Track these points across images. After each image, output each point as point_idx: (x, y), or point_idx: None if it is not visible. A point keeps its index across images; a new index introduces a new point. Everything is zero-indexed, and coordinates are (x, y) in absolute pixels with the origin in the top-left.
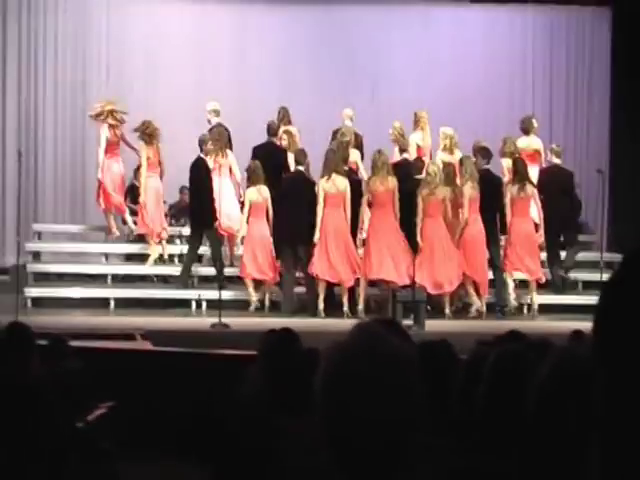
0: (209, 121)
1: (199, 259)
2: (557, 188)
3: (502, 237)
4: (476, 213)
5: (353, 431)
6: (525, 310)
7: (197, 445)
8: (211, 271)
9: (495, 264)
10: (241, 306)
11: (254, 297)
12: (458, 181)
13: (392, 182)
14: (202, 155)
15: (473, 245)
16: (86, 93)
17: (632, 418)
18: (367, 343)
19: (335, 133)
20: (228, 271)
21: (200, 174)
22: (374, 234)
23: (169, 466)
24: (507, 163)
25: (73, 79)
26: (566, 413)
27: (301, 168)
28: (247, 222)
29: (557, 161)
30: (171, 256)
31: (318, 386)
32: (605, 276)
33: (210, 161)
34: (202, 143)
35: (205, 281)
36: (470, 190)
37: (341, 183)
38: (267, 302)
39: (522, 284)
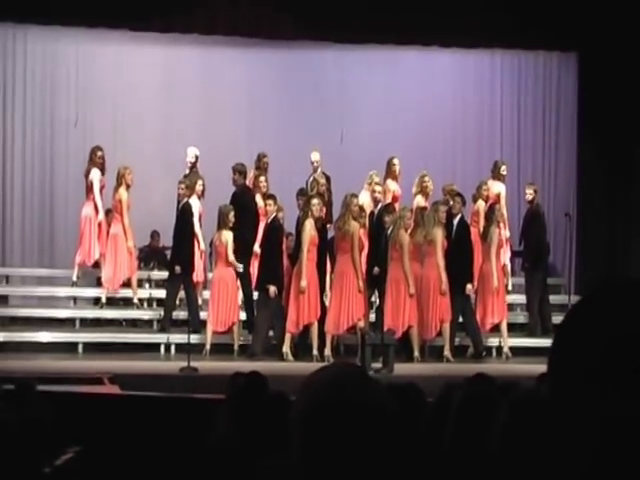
0: (193, 165)
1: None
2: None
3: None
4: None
5: (331, 474)
6: (494, 353)
7: None
8: (179, 315)
9: (464, 310)
10: (211, 350)
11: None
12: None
13: (354, 227)
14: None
15: (437, 289)
16: (54, 138)
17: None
18: (342, 390)
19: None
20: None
21: (190, 219)
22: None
23: None
24: (481, 206)
25: (41, 124)
26: (527, 451)
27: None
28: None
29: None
30: (140, 300)
31: (296, 427)
32: None
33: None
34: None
35: (174, 325)
36: (441, 235)
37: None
38: (236, 345)
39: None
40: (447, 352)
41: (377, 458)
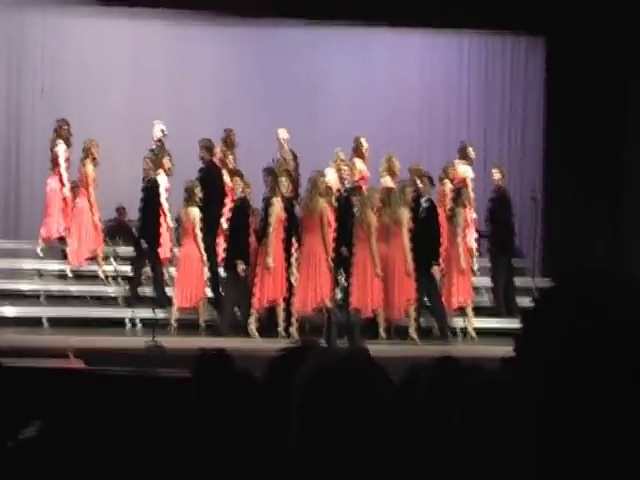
0: (159, 140)
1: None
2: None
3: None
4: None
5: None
6: (459, 334)
7: (128, 469)
8: (146, 291)
9: (429, 291)
10: (176, 326)
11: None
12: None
13: (321, 204)
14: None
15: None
16: (20, 110)
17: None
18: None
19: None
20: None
21: (156, 194)
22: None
23: None
24: (448, 188)
25: (6, 95)
26: (488, 433)
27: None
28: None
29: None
30: (106, 275)
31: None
32: None
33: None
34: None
35: (140, 301)
36: (407, 216)
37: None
38: (201, 322)
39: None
40: (412, 332)
41: (373, 446)
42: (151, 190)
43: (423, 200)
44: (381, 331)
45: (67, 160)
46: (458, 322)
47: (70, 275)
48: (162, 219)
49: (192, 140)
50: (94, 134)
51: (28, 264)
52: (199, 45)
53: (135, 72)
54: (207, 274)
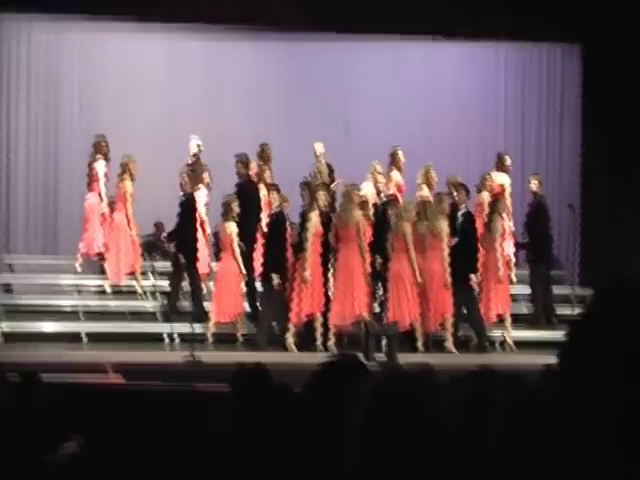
0: (195, 155)
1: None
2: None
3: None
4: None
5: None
6: (497, 345)
7: None
8: (184, 305)
9: (468, 303)
10: (214, 340)
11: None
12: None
13: (357, 215)
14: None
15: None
16: (58, 128)
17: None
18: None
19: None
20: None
21: (193, 209)
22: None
23: None
24: (485, 198)
25: (45, 114)
26: (525, 444)
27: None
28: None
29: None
30: (144, 290)
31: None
32: (577, 311)
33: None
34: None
35: (178, 316)
36: (446, 228)
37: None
38: (239, 336)
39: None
40: (450, 345)
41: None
42: (188, 205)
43: (460, 211)
44: (419, 344)
45: (105, 176)
46: (497, 333)
47: (109, 291)
48: (201, 234)
49: (228, 154)
50: (131, 150)
51: (67, 280)
52: (234, 59)
53: (171, 87)
54: (244, 288)
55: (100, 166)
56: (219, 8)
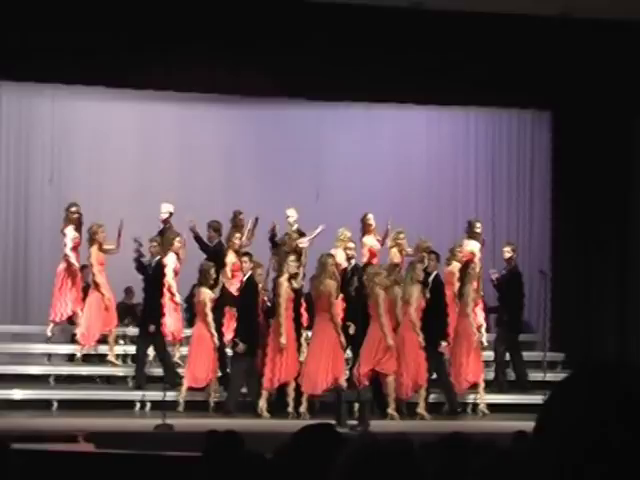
0: (165, 221)
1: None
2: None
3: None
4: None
5: None
6: (470, 409)
7: None
8: (155, 371)
9: (438, 368)
10: (185, 406)
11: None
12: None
13: (331, 286)
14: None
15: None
16: (29, 195)
17: None
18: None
19: (272, 237)
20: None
21: (161, 276)
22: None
23: None
24: (455, 268)
25: (16, 179)
26: None
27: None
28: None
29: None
30: (117, 356)
31: None
32: (548, 375)
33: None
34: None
35: (149, 381)
36: (417, 294)
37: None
38: (211, 402)
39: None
40: (421, 410)
41: None
42: (157, 271)
43: (431, 277)
44: (390, 410)
45: (77, 242)
46: (469, 397)
47: (79, 356)
48: (169, 299)
49: (202, 220)
50: (104, 216)
51: (38, 347)
52: (207, 125)
53: (144, 153)
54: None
55: (69, 235)
56: (191, 76)
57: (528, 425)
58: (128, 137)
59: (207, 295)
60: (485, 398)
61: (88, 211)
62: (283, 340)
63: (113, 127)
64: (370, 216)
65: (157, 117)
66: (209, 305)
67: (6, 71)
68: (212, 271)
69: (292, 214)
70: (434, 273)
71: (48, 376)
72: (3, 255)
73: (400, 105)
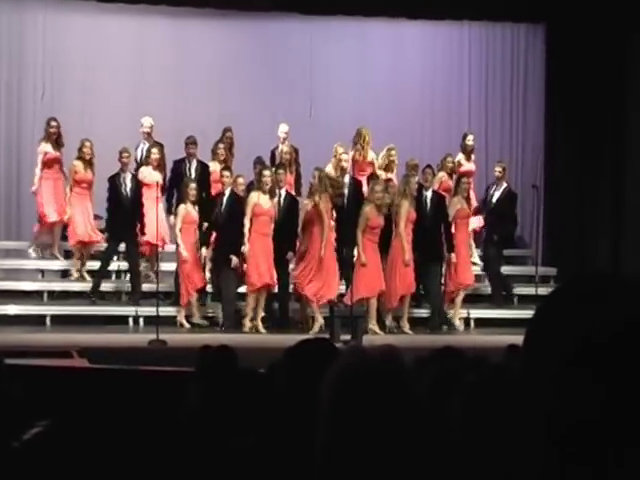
0: (147, 135)
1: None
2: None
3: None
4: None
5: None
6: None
7: (135, 465)
8: (149, 287)
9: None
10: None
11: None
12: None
13: (324, 202)
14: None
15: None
16: (21, 110)
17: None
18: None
19: (273, 152)
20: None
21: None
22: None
23: None
24: (443, 177)
25: (8, 91)
26: (488, 426)
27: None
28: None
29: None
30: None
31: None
32: (540, 290)
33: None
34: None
35: (142, 297)
36: (406, 207)
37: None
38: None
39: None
40: (404, 323)
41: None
42: (138, 185)
43: (429, 191)
44: (387, 321)
45: (51, 157)
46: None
47: (74, 274)
48: (154, 213)
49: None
50: (96, 132)
51: (30, 263)
52: (199, 40)
53: (136, 68)
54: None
55: (43, 149)
56: None
57: (519, 339)
58: (120, 51)
59: (190, 210)
60: (460, 313)
61: (80, 130)
62: (246, 248)
63: (105, 42)
64: (364, 129)
65: (150, 33)
66: (193, 221)
67: None
68: (192, 186)
69: (284, 129)
70: (430, 187)
71: (42, 292)
72: None
73: (393, 20)
